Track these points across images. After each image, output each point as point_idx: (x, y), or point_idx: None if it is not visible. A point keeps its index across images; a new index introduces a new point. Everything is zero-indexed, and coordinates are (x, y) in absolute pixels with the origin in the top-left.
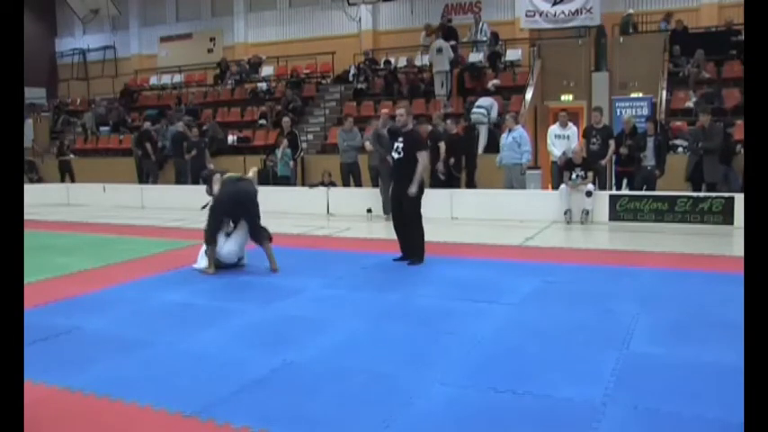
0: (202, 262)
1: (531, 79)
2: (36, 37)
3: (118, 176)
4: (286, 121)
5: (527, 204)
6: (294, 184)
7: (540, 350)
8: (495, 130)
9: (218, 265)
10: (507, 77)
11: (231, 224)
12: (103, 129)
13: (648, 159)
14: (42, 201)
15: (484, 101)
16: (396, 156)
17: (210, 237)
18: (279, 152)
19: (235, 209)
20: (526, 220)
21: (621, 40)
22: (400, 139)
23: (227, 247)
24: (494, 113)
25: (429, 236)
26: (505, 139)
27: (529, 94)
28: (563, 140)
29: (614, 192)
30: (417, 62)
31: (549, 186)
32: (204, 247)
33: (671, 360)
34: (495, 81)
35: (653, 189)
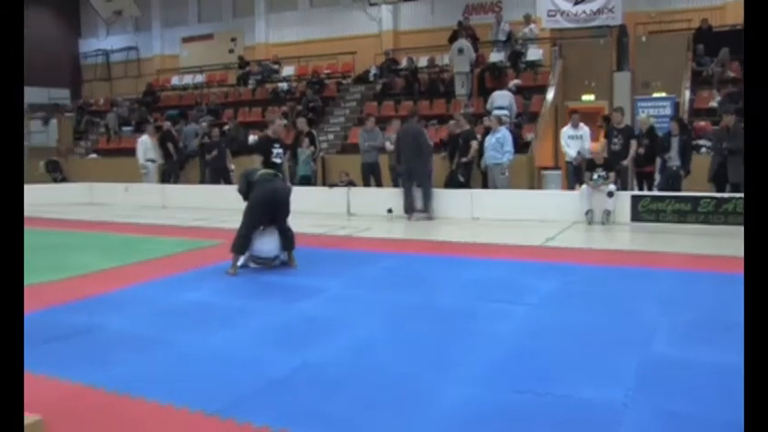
0: (242, 258)
1: (552, 79)
2: (60, 38)
3: (140, 176)
4: (301, 121)
5: (548, 205)
6: (314, 184)
7: (561, 351)
8: (516, 131)
9: (259, 262)
10: (528, 77)
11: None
12: (126, 129)
13: (673, 160)
14: (66, 200)
15: (502, 99)
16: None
17: (243, 244)
18: (301, 152)
19: (274, 209)
20: (547, 221)
21: (644, 39)
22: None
23: (268, 243)
24: (513, 112)
25: (450, 236)
26: (489, 141)
27: (550, 94)
28: (577, 140)
29: (636, 192)
30: (438, 62)
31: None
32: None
33: (692, 362)
34: (516, 81)
35: (678, 189)
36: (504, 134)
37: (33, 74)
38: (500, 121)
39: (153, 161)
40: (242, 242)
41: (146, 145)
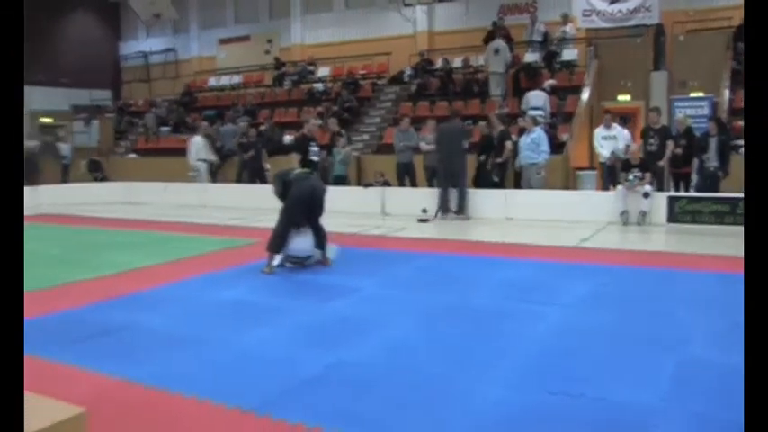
0: (278, 258)
1: (587, 79)
2: (102, 42)
3: (178, 175)
4: (332, 121)
5: (583, 205)
6: (348, 184)
7: (596, 352)
8: (551, 131)
9: (295, 261)
10: (563, 77)
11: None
12: (164, 129)
13: (711, 160)
14: (106, 199)
15: (536, 100)
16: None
17: (279, 244)
18: (337, 152)
19: (311, 207)
20: (582, 221)
21: (681, 38)
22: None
23: (302, 243)
24: (548, 112)
25: (484, 236)
26: (524, 141)
27: (585, 95)
28: (610, 141)
29: (673, 193)
30: (473, 62)
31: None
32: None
33: (728, 365)
34: (551, 81)
35: (716, 190)
36: (539, 134)
37: (76, 76)
38: (535, 122)
39: (204, 161)
40: (278, 242)
41: (197, 145)
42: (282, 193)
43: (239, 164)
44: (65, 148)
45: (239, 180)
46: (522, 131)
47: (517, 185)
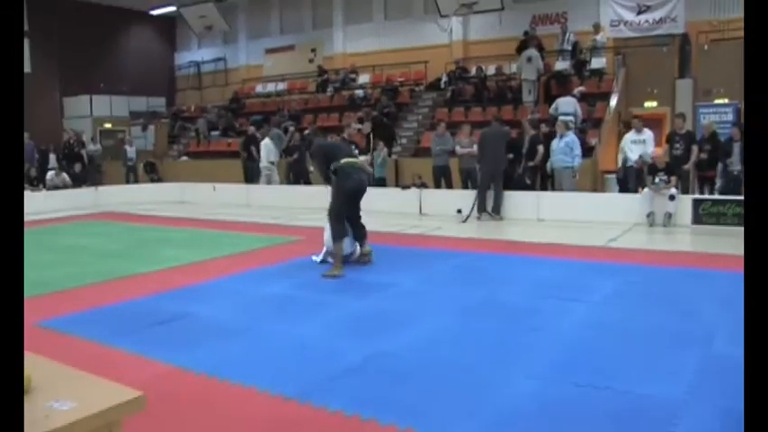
0: (321, 253)
1: (615, 86)
2: (159, 53)
3: (226, 176)
4: (367, 125)
5: (610, 207)
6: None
7: (622, 348)
8: (581, 136)
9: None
10: (592, 85)
11: None
12: (214, 133)
13: (735, 164)
14: (160, 198)
15: (566, 106)
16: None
17: (343, 229)
18: (377, 155)
19: (358, 199)
20: (610, 222)
21: (706, 47)
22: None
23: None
24: (578, 118)
25: (517, 236)
26: (557, 144)
27: (613, 101)
28: (639, 145)
29: (697, 196)
30: (506, 70)
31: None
32: (328, 238)
33: None
34: (581, 88)
35: (739, 193)
36: (572, 138)
37: (135, 85)
38: (567, 127)
39: (273, 163)
40: (340, 227)
41: (268, 147)
42: (327, 176)
43: (286, 166)
44: (130, 151)
45: (287, 181)
46: (546, 135)
47: (543, 187)
